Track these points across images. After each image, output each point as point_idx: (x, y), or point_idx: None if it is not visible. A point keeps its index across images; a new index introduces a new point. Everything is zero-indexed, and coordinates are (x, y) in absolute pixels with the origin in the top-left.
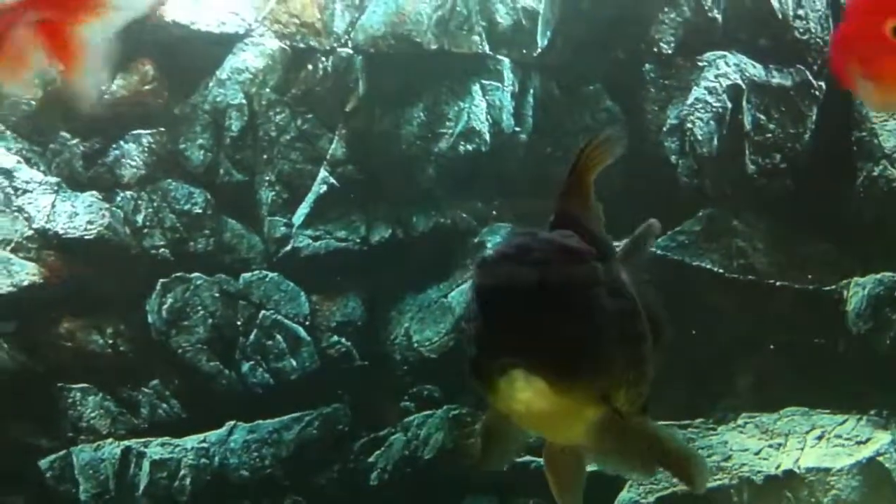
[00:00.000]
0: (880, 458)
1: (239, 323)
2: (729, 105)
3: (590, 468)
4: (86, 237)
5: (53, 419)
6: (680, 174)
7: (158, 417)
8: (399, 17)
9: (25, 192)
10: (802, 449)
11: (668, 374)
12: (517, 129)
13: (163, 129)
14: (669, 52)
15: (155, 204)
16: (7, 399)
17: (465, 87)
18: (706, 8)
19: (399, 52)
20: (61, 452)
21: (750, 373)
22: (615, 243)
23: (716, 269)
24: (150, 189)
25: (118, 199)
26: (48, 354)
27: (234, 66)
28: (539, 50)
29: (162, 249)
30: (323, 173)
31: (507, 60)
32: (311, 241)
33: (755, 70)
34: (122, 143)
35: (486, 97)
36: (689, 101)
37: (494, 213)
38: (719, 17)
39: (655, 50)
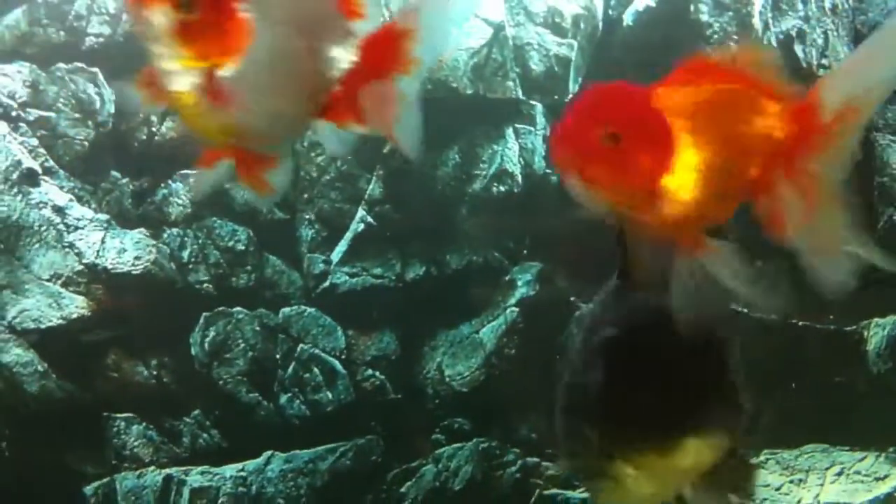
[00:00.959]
0: None
1: (278, 356)
2: None
3: None
4: (133, 272)
5: (99, 447)
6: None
7: (199, 446)
8: (437, 64)
9: (77, 228)
10: (822, 485)
11: None
12: (548, 171)
13: None
14: None
15: (200, 241)
16: (55, 427)
17: (499, 131)
18: None
19: (436, 96)
20: (105, 479)
21: (771, 410)
22: None
23: (738, 309)
24: (195, 226)
25: (165, 235)
26: (95, 385)
27: None
28: (570, 96)
29: (206, 284)
30: (361, 212)
31: (539, 105)
32: (348, 277)
33: None
34: (170, 182)
35: (519, 140)
36: None
37: (525, 252)
38: None
39: None
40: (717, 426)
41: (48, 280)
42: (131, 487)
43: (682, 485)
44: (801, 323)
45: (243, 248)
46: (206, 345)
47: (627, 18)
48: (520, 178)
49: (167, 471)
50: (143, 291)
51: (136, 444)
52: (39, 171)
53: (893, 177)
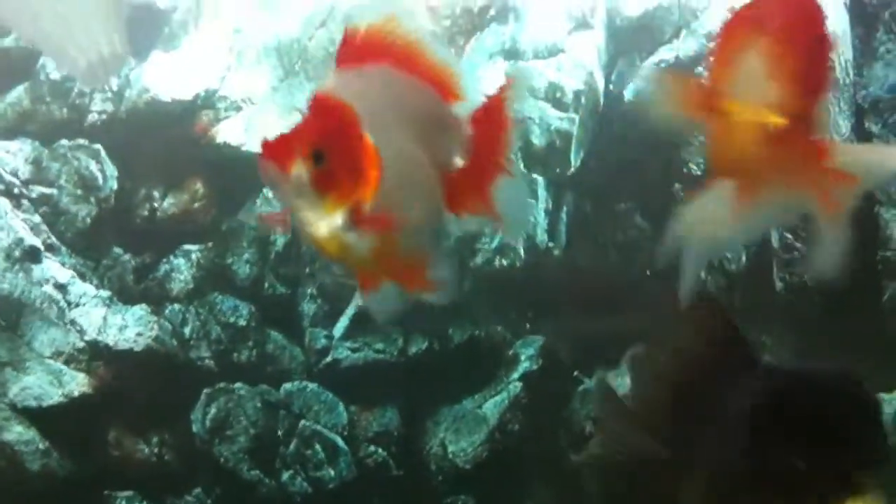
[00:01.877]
0: None
1: (280, 432)
2: None
3: None
4: (135, 349)
5: None
6: (709, 289)
7: None
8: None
9: (78, 305)
10: None
11: None
12: (551, 244)
13: (211, 244)
14: (699, 172)
15: (202, 317)
16: None
17: None
18: None
19: None
20: None
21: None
22: None
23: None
24: (197, 302)
25: (167, 311)
26: (96, 462)
27: None
28: (572, 169)
29: (207, 360)
30: None
31: (541, 179)
32: (350, 352)
33: None
34: (171, 257)
35: None
36: None
37: (528, 325)
38: None
39: (685, 171)
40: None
41: (50, 357)
42: None
43: None
44: None
45: (245, 323)
46: (208, 421)
47: (628, 93)
48: (522, 252)
49: None
50: (144, 368)
51: None
52: (41, 247)
53: None
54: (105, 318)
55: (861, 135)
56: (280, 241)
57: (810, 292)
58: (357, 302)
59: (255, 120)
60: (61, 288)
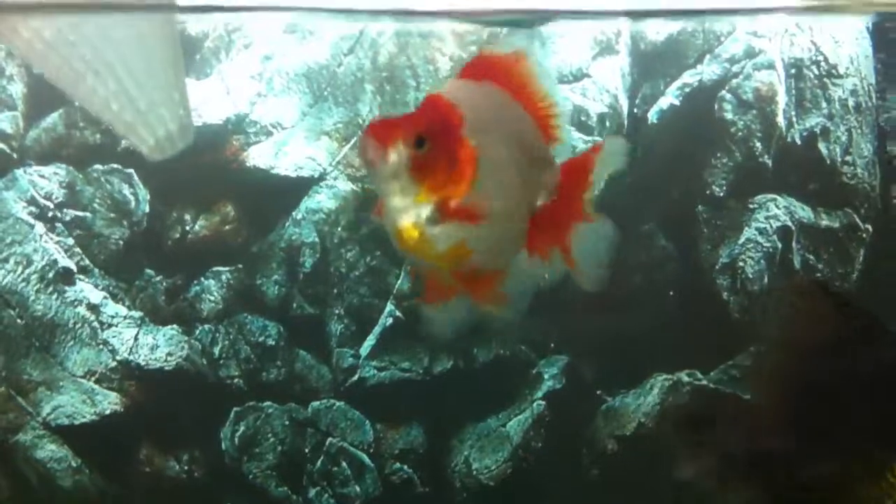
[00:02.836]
0: None
1: (307, 450)
2: (779, 245)
3: None
4: (166, 368)
5: None
6: (731, 310)
7: None
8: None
9: (111, 325)
10: None
11: None
12: None
13: (241, 266)
14: (721, 194)
15: (231, 336)
16: None
17: None
18: (756, 153)
19: None
20: None
21: None
22: None
23: None
24: (227, 322)
25: (197, 332)
26: (127, 480)
27: (308, 207)
28: (596, 192)
29: (236, 379)
30: (389, 307)
31: None
32: (376, 371)
33: (804, 212)
34: (202, 279)
35: None
36: (740, 241)
37: (552, 345)
38: (769, 162)
39: (708, 192)
40: None
41: (82, 377)
42: None
43: None
44: None
45: (273, 343)
46: (237, 439)
47: (652, 116)
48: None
49: None
50: (174, 387)
51: None
52: (75, 269)
53: None
54: (137, 339)
55: (883, 157)
56: (309, 262)
57: None
58: (385, 321)
59: (285, 145)
60: (94, 309)
